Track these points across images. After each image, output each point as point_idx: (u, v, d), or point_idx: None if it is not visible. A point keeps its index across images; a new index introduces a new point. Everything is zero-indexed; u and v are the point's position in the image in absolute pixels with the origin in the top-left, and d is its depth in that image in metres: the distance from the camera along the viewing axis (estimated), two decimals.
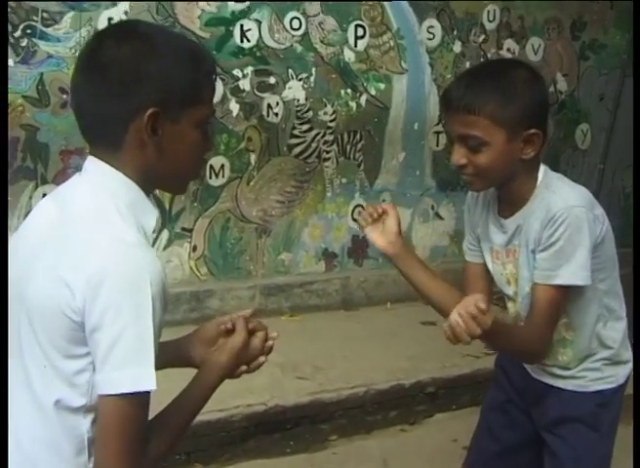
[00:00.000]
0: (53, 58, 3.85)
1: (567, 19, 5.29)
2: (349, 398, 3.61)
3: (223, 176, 4.37)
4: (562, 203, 1.86)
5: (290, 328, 4.19)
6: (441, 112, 2.10)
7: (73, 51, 3.84)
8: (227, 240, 4.45)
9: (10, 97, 3.73)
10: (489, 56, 5.02)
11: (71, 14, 3.87)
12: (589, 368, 2.02)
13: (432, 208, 5.04)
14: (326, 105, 4.57)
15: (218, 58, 4.18)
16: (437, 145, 4.96)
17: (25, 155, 3.88)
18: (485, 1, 4.97)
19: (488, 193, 2.06)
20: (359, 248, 4.83)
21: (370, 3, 4.60)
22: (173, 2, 4.09)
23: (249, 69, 4.33)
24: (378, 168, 4.83)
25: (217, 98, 4.15)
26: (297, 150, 4.55)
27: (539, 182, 1.94)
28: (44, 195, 3.46)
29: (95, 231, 1.33)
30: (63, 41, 3.86)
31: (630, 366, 2.08)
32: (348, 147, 4.71)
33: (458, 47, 4.93)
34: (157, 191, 1.57)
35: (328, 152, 4.64)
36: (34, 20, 3.80)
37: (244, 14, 4.28)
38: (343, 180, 4.73)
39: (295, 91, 4.46)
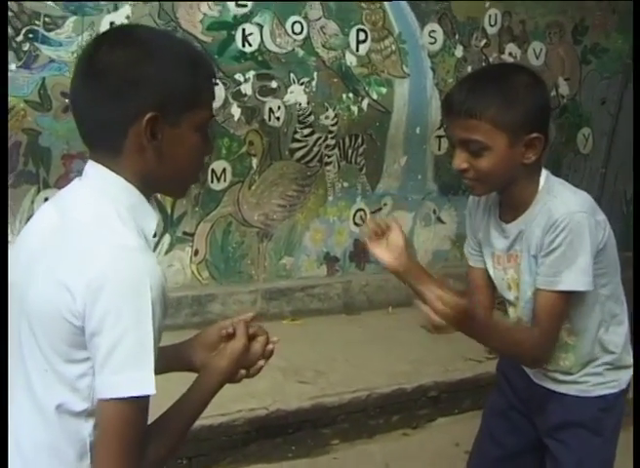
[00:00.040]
0: (55, 63, 3.86)
1: (569, 23, 5.30)
2: (351, 402, 3.60)
3: (225, 181, 4.37)
4: (564, 208, 1.86)
5: (291, 332, 4.19)
6: (443, 116, 2.09)
7: (75, 55, 3.84)
8: (229, 244, 4.46)
9: (12, 101, 3.74)
10: (490, 60, 5.02)
11: (73, 18, 3.87)
12: (591, 373, 2.01)
13: (434, 212, 5.05)
14: (327, 109, 4.57)
15: (219, 63, 4.20)
16: (439, 149, 4.96)
17: (27, 159, 3.88)
18: (486, 2, 4.98)
19: (489, 198, 2.06)
20: (361, 252, 4.82)
21: (371, 7, 4.61)
22: (174, 7, 4.10)
23: (250, 73, 4.34)
24: (379, 172, 4.83)
25: (218, 103, 4.17)
26: (298, 154, 4.55)
27: (540, 187, 1.94)
28: (46, 199, 3.45)
29: (95, 236, 1.33)
30: (65, 45, 3.87)
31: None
32: (350, 151, 4.71)
33: (459, 51, 4.93)
34: (159, 195, 1.57)
35: (329, 156, 4.64)
36: (36, 25, 3.81)
37: (246, 18, 4.29)
38: (345, 184, 4.73)
39: (296, 95, 4.47)
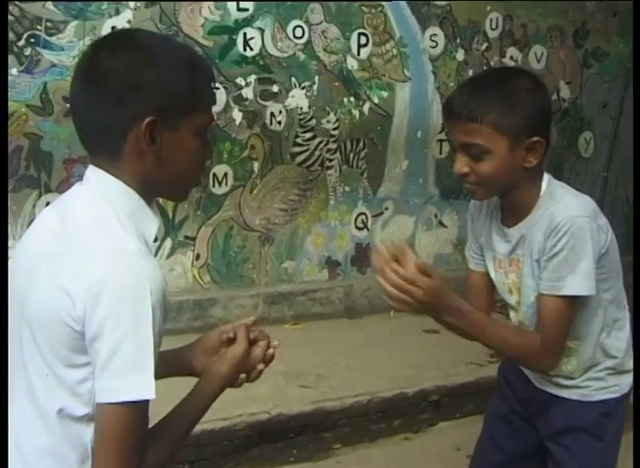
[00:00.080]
0: (56, 67, 3.86)
1: (570, 27, 5.30)
2: (353, 406, 3.60)
3: (227, 185, 4.37)
4: (565, 212, 1.85)
5: (293, 336, 4.19)
6: (444, 120, 2.09)
7: (77, 60, 3.85)
8: (230, 248, 4.45)
9: (14, 105, 3.75)
10: (492, 64, 5.02)
11: (75, 23, 3.88)
12: (593, 377, 2.01)
13: (435, 216, 5.04)
14: (329, 113, 4.57)
15: (221, 67, 4.20)
16: (440, 153, 4.96)
17: (29, 164, 3.89)
18: (487, 5, 4.98)
19: (491, 202, 2.05)
20: (362, 256, 4.83)
21: (373, 11, 4.61)
22: (176, 11, 4.10)
23: (252, 78, 4.34)
24: (381, 176, 4.83)
25: (219, 107, 4.17)
26: (300, 158, 4.55)
27: (542, 191, 1.93)
28: (47, 204, 3.45)
29: (95, 240, 1.33)
30: (67, 50, 3.87)
31: None
32: (351, 155, 4.71)
33: (460, 55, 4.94)
34: (160, 199, 1.57)
35: (331, 160, 4.64)
36: (38, 30, 3.81)
37: (247, 22, 4.30)
38: (347, 189, 4.73)
39: (298, 99, 4.47)
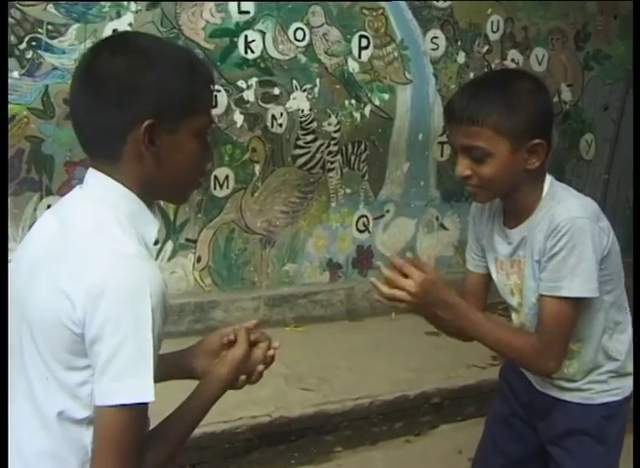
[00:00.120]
0: (58, 70, 3.86)
1: (571, 29, 5.31)
2: (354, 409, 3.60)
3: (228, 187, 4.37)
4: (566, 214, 1.85)
5: (294, 338, 4.19)
6: (445, 123, 2.09)
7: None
8: (232, 251, 4.46)
9: (15, 108, 3.75)
10: (493, 66, 5.03)
11: (76, 26, 3.88)
12: (595, 380, 2.00)
13: (437, 218, 5.04)
14: (330, 116, 4.58)
15: (222, 70, 4.21)
16: (441, 156, 4.96)
17: (30, 166, 3.89)
18: (489, 8, 4.98)
19: (493, 204, 2.05)
20: (363, 258, 4.83)
21: (374, 14, 4.62)
22: (177, 14, 4.11)
23: (253, 80, 4.34)
24: (382, 178, 4.83)
25: (221, 109, 4.18)
26: (301, 161, 4.55)
27: (544, 193, 1.93)
28: (49, 206, 3.47)
29: (95, 243, 1.34)
30: (68, 53, 3.88)
31: None
32: (353, 158, 4.71)
33: (462, 57, 4.94)
34: (162, 202, 1.57)
35: (332, 163, 4.64)
36: (39, 33, 3.82)
37: (248, 25, 4.30)
38: (348, 191, 4.73)
39: (299, 101, 4.47)
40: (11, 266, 1.48)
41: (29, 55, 3.81)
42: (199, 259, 4.37)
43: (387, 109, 4.74)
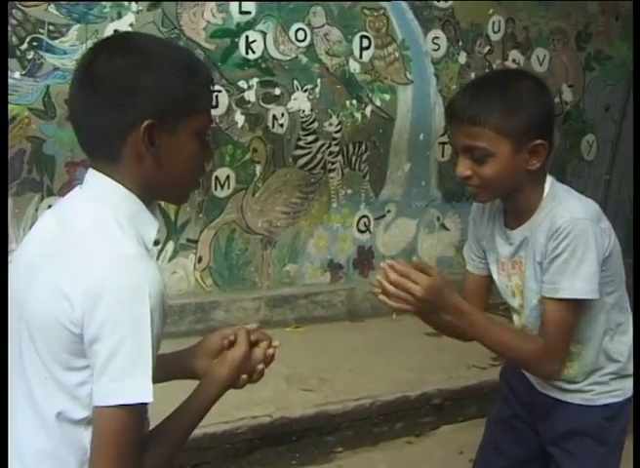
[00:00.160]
0: (59, 71, 3.86)
1: (572, 30, 5.31)
2: (355, 410, 3.59)
3: (229, 188, 4.37)
4: (567, 215, 1.85)
5: (295, 339, 4.18)
6: (446, 123, 2.09)
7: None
8: (233, 251, 4.45)
9: (16, 109, 3.75)
10: (494, 66, 5.02)
11: (77, 26, 3.88)
12: (596, 381, 2.00)
13: (438, 219, 5.04)
14: (331, 116, 4.57)
15: (223, 70, 4.21)
16: (443, 156, 4.96)
17: (31, 167, 3.89)
18: (490, 8, 4.98)
19: (494, 204, 2.05)
20: (364, 259, 4.82)
21: (375, 14, 4.61)
22: (178, 14, 4.11)
23: (254, 81, 4.34)
24: (383, 179, 4.83)
25: (222, 110, 4.18)
26: (302, 161, 4.55)
27: (545, 194, 1.92)
28: (50, 207, 3.46)
29: (94, 244, 1.34)
30: (70, 53, 3.88)
31: None
32: (354, 158, 4.71)
33: (463, 58, 4.94)
34: (162, 202, 1.57)
35: (333, 163, 4.64)
36: (40, 33, 3.82)
37: (249, 25, 4.30)
38: (349, 191, 4.73)
39: (300, 102, 4.47)
40: (10, 266, 1.48)
41: (30, 55, 3.81)
42: (200, 260, 4.36)
43: (388, 110, 4.74)
